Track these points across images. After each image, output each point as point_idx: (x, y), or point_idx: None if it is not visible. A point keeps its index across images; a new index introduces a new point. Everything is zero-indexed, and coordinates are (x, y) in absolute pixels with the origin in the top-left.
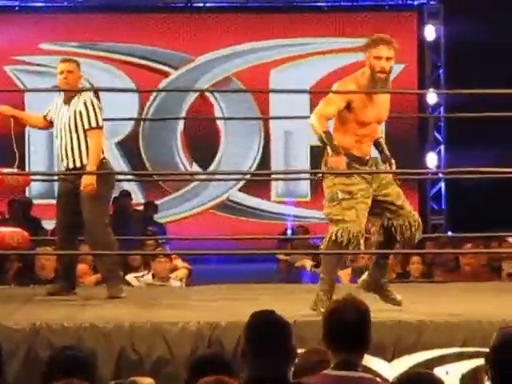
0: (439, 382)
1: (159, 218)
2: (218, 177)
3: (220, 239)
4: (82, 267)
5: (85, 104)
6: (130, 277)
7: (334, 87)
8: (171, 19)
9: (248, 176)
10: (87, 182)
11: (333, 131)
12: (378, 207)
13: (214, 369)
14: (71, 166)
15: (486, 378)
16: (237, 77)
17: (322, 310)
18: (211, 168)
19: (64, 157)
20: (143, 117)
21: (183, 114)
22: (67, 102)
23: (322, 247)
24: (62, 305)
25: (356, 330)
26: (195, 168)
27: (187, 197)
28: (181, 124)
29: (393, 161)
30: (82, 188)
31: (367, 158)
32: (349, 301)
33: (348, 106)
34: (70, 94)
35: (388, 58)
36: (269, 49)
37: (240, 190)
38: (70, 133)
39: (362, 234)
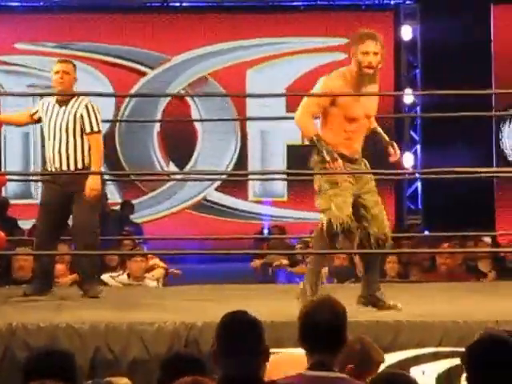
0: (413, 382)
1: (136, 217)
2: (194, 176)
3: (197, 239)
4: (59, 267)
5: (86, 107)
6: (105, 276)
7: (321, 81)
8: (148, 19)
9: (225, 176)
10: (94, 186)
11: (320, 127)
12: (357, 213)
13: (187, 368)
14: (65, 168)
15: (463, 377)
16: (213, 76)
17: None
18: (188, 168)
19: (57, 159)
20: (119, 117)
21: (159, 114)
22: (63, 103)
23: (313, 235)
24: (38, 305)
25: (331, 331)
26: (172, 168)
27: (164, 196)
28: (157, 124)
29: (395, 144)
30: (87, 192)
31: (356, 156)
32: (324, 301)
33: (334, 102)
34: (66, 95)
35: (375, 53)
36: (245, 48)
37: (217, 189)
38: (67, 135)
39: (352, 218)
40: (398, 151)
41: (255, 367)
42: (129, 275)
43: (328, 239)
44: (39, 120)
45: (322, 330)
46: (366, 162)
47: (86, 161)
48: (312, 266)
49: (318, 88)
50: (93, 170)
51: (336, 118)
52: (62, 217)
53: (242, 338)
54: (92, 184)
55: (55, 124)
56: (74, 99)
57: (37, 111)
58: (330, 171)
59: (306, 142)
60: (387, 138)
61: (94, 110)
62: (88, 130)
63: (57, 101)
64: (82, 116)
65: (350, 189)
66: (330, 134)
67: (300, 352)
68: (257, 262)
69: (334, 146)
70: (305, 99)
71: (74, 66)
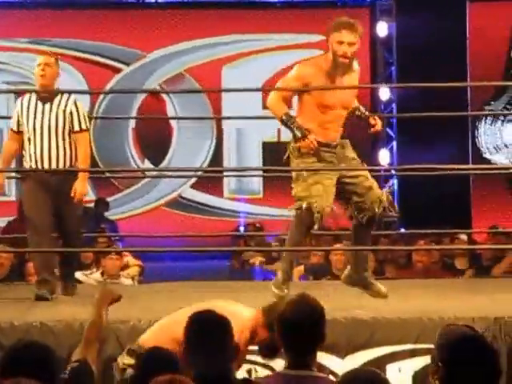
0: (383, 380)
1: (110, 215)
2: (170, 173)
3: (175, 236)
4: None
5: (75, 104)
6: (78, 274)
7: (295, 67)
8: (123, 15)
9: (200, 173)
10: (81, 190)
11: (296, 117)
12: (346, 191)
13: (161, 366)
14: (54, 167)
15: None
16: (189, 73)
17: (277, 291)
18: (163, 165)
19: (46, 158)
20: (94, 114)
21: (135, 111)
22: (47, 99)
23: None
24: (12, 303)
25: (308, 330)
26: (147, 165)
27: (139, 194)
28: (132, 121)
29: (376, 117)
30: (75, 195)
31: (334, 143)
32: (302, 300)
33: (306, 88)
34: (48, 89)
35: (350, 43)
36: (221, 45)
37: (192, 186)
38: (57, 134)
39: (331, 208)
40: (380, 122)
41: (226, 365)
42: (103, 273)
43: (305, 227)
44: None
45: (300, 329)
46: (347, 142)
47: (73, 161)
48: (286, 254)
49: (292, 73)
50: (82, 173)
51: (309, 105)
52: (50, 216)
53: (211, 337)
54: (81, 188)
55: (41, 122)
56: (59, 96)
57: (18, 125)
58: (306, 156)
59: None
60: (367, 112)
61: (82, 107)
62: (77, 127)
63: (39, 97)
64: (71, 113)
65: (330, 175)
66: (304, 122)
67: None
68: (258, 259)
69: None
70: (278, 85)
71: (57, 59)
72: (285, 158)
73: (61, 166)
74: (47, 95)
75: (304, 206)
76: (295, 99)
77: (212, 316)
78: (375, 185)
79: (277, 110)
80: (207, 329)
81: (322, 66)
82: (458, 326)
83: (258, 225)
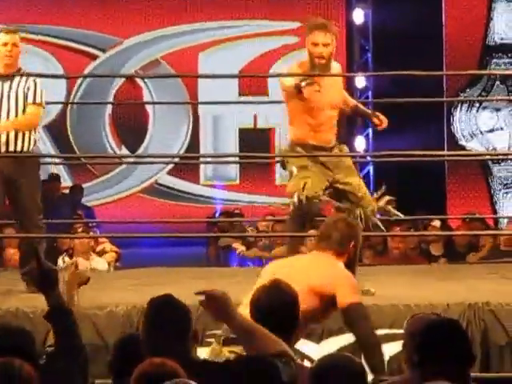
0: (358, 365)
1: (87, 201)
2: (146, 160)
3: (150, 222)
4: (10, 251)
5: (35, 82)
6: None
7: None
8: (99, 1)
9: (177, 159)
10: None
11: (288, 125)
12: (339, 195)
13: (138, 350)
14: (12, 150)
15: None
16: (165, 60)
17: None
18: (139, 151)
19: (4, 140)
20: (71, 100)
21: (111, 97)
22: (6, 78)
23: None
24: None
25: (283, 315)
26: (124, 151)
27: (115, 180)
28: (109, 107)
29: (379, 114)
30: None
31: (330, 145)
32: (275, 286)
33: (300, 92)
34: (12, 69)
35: (325, 44)
36: (197, 32)
37: (168, 173)
38: (17, 112)
39: (322, 194)
40: (385, 119)
41: (185, 351)
42: (71, 255)
43: (300, 219)
44: None
45: (274, 315)
46: (345, 147)
47: (31, 145)
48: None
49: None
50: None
51: (298, 111)
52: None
53: (168, 322)
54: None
55: (0, 102)
56: (19, 75)
57: None
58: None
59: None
60: (369, 111)
61: (40, 85)
62: (31, 99)
63: None
64: (28, 88)
65: (321, 174)
66: (296, 129)
67: None
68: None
69: (302, 138)
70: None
71: (20, 36)
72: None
73: (19, 148)
74: (8, 73)
75: (295, 199)
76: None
77: (170, 300)
78: (367, 194)
79: (288, 81)
80: (165, 313)
81: (306, 68)
82: (426, 314)
83: (237, 211)
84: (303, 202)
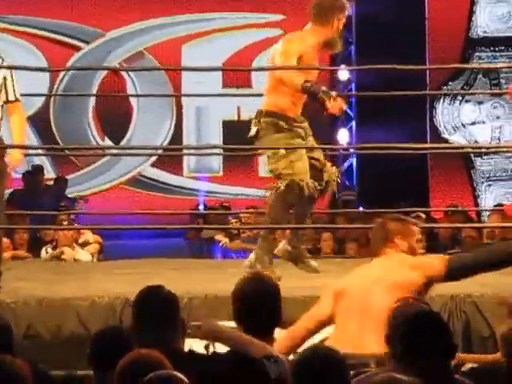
0: (340, 358)
1: (70, 193)
2: (130, 152)
3: (133, 214)
4: None
5: (11, 73)
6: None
7: (281, 42)
8: None
9: (160, 151)
10: (18, 156)
11: (267, 93)
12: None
13: (114, 343)
14: None
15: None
16: (149, 52)
17: (260, 267)
18: (123, 143)
19: None
20: (54, 91)
21: (95, 89)
22: None
23: (269, 202)
24: None
25: (265, 309)
26: (107, 143)
27: (99, 172)
28: (92, 99)
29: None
30: (15, 164)
31: (302, 118)
32: (256, 279)
33: (298, 62)
34: None
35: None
36: (180, 24)
37: (152, 165)
38: None
39: (314, 184)
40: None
41: (174, 341)
42: (55, 247)
43: (287, 205)
44: None
45: (255, 307)
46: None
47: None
48: (264, 234)
49: (288, 50)
50: (18, 140)
51: (282, 82)
52: None
53: (158, 314)
54: (16, 155)
55: None
56: None
57: None
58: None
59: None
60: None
61: (15, 77)
62: (12, 97)
63: None
64: (5, 80)
65: (304, 153)
66: (277, 97)
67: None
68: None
69: (283, 110)
70: (280, 57)
71: None
72: (252, 133)
73: None
74: None
75: (288, 183)
76: (266, 75)
77: (159, 292)
78: (328, 163)
79: (295, 79)
80: (154, 305)
81: (308, 41)
82: (409, 305)
83: (225, 204)
84: (294, 190)
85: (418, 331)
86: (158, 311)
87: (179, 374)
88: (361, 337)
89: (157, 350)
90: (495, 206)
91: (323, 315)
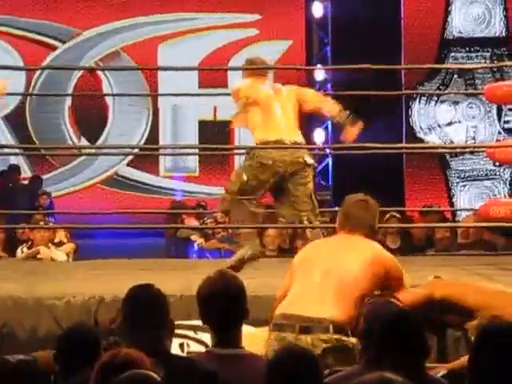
0: (313, 357)
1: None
2: (106, 151)
3: (109, 213)
4: None
5: None
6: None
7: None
8: None
9: (136, 150)
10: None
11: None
12: (283, 191)
13: (82, 343)
14: None
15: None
16: (125, 51)
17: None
18: (99, 143)
19: None
20: (30, 90)
21: (71, 88)
22: None
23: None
24: None
25: (227, 305)
26: (83, 142)
27: (75, 171)
28: (68, 98)
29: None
30: None
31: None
32: (220, 277)
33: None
34: None
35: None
36: (157, 23)
37: (128, 164)
38: None
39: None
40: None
41: (162, 341)
42: (30, 247)
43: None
44: None
45: (220, 307)
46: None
47: None
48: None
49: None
50: None
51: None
52: None
53: (146, 312)
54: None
55: None
56: None
57: None
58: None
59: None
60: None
61: None
62: None
63: None
64: None
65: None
66: (258, 131)
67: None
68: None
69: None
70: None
71: None
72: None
73: None
74: None
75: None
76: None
77: (148, 290)
78: (303, 196)
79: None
80: (143, 304)
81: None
82: (382, 304)
83: (202, 203)
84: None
85: (389, 332)
86: (144, 310)
87: (152, 374)
88: (320, 300)
89: (142, 349)
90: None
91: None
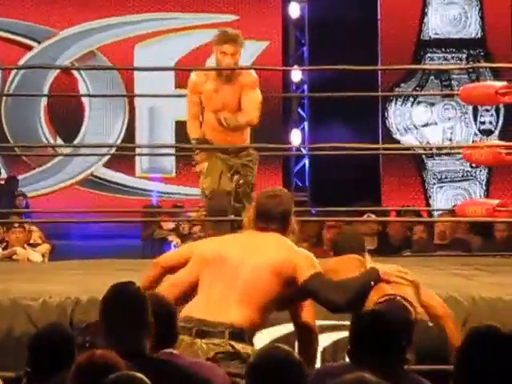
0: (296, 360)
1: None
2: (82, 151)
3: (84, 212)
4: None
5: None
6: None
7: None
8: None
9: (113, 150)
10: None
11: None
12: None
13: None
14: None
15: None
16: (101, 51)
17: None
18: (75, 143)
19: None
20: (6, 90)
21: (46, 89)
22: None
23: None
24: None
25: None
26: (59, 143)
27: (51, 172)
28: (44, 98)
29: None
30: None
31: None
32: (151, 298)
33: (199, 95)
34: None
35: (233, 54)
36: (133, 23)
37: (104, 165)
38: None
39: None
40: None
41: (138, 341)
42: (6, 247)
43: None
44: None
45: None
46: (253, 153)
47: None
48: None
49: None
50: None
51: (203, 110)
52: None
53: (124, 312)
54: None
55: None
56: None
57: None
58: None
59: None
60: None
61: None
62: None
63: None
64: None
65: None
66: (204, 127)
67: None
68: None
69: (210, 140)
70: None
71: None
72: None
73: None
74: None
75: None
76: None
77: (127, 290)
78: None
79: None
80: (120, 303)
81: (210, 72)
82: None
83: (178, 204)
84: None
85: (367, 333)
86: (123, 310)
87: (139, 375)
88: (223, 305)
89: (120, 351)
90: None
91: (192, 279)
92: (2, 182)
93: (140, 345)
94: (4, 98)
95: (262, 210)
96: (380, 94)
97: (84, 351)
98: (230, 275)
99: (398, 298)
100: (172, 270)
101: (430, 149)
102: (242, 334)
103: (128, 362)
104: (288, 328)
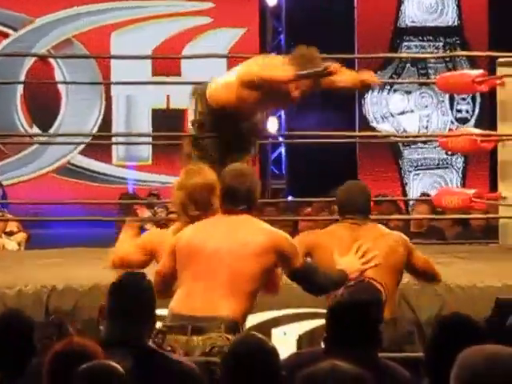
0: (271, 348)
1: None
2: (58, 139)
3: (63, 203)
4: None
5: None
6: None
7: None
8: None
9: (90, 139)
10: None
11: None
12: None
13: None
14: None
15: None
16: (78, 39)
17: None
18: (52, 131)
19: None
20: None
21: (23, 76)
22: None
23: None
24: None
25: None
26: (35, 131)
27: (27, 160)
28: (20, 86)
29: None
30: None
31: None
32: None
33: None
34: None
35: None
36: (110, 11)
37: (81, 153)
38: None
39: None
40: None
41: (138, 331)
42: None
43: None
44: None
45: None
46: None
47: None
48: None
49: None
50: None
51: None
52: None
53: (126, 302)
54: None
55: None
56: None
57: None
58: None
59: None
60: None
61: None
62: None
63: None
64: None
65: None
66: None
67: None
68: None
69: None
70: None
71: None
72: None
73: None
74: None
75: None
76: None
77: (135, 280)
78: None
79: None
80: (124, 293)
81: None
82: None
83: (155, 192)
84: None
85: (342, 321)
86: (125, 300)
87: (114, 364)
88: (212, 298)
89: (122, 346)
90: (422, 195)
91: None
92: None
93: (141, 335)
94: None
95: (228, 189)
96: None
97: (60, 339)
98: (210, 266)
99: (367, 279)
100: (172, 271)
101: (407, 137)
102: (237, 326)
103: (125, 351)
104: (263, 316)
